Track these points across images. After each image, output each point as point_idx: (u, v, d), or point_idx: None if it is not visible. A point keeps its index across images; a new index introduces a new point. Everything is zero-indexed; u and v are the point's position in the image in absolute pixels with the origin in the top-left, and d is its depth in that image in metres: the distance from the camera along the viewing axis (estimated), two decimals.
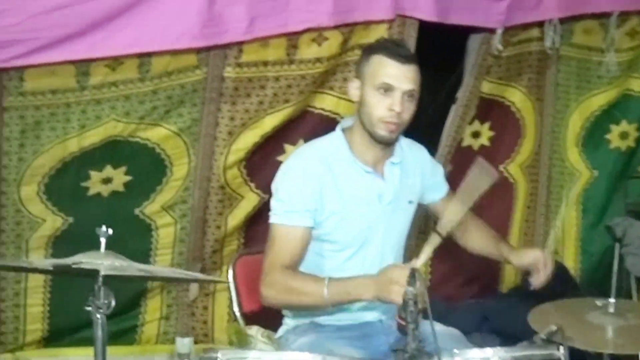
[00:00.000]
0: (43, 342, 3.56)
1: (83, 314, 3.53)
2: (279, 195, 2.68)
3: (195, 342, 3.69)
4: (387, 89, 2.59)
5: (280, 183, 2.70)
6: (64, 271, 2.22)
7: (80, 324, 3.52)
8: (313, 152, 2.74)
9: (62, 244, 3.32)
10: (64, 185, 3.24)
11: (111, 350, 3.58)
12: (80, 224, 3.31)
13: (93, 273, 2.08)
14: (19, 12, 2.73)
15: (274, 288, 2.60)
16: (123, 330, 3.62)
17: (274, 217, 2.66)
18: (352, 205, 2.68)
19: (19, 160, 3.10)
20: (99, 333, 2.08)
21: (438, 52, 3.54)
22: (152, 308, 3.63)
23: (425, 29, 3.39)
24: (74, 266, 2.04)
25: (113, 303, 2.08)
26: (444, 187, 2.99)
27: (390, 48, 2.65)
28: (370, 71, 2.63)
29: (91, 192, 3.29)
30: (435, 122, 3.80)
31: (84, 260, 2.08)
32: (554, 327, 2.22)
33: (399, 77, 2.59)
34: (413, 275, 2.20)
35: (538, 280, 2.80)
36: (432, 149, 3.69)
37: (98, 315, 2.07)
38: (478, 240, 3.02)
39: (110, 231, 2.10)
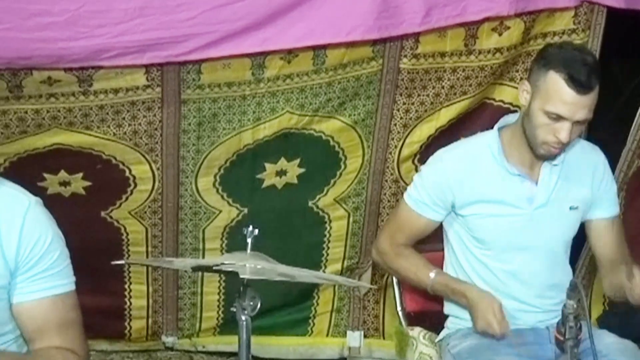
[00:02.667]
0: (218, 329, 3.65)
1: None
2: (418, 179, 2.73)
3: (366, 336, 3.71)
4: (558, 118, 2.43)
5: (425, 168, 2.74)
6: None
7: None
8: (463, 150, 2.71)
9: (236, 234, 3.35)
10: (239, 177, 3.28)
11: (284, 341, 3.70)
12: (254, 215, 3.35)
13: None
14: (194, 6, 2.75)
15: (383, 258, 2.81)
16: (296, 321, 3.67)
17: (407, 195, 2.74)
18: (499, 206, 2.59)
19: (196, 152, 3.16)
20: (243, 336, 2.02)
21: (628, 41, 3.32)
22: (325, 300, 3.64)
23: (615, 15, 3.17)
24: (215, 268, 2.01)
25: (258, 304, 2.01)
26: (614, 209, 2.74)
27: (572, 71, 2.40)
28: (544, 89, 2.45)
29: (266, 184, 3.31)
30: (624, 115, 3.57)
31: (228, 261, 2.02)
32: None
33: (573, 108, 2.41)
34: (574, 288, 2.05)
35: None
36: (620, 144, 3.49)
37: (243, 317, 2.00)
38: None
39: (257, 231, 2.04)
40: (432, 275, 2.64)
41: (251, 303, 1.95)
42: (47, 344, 2.05)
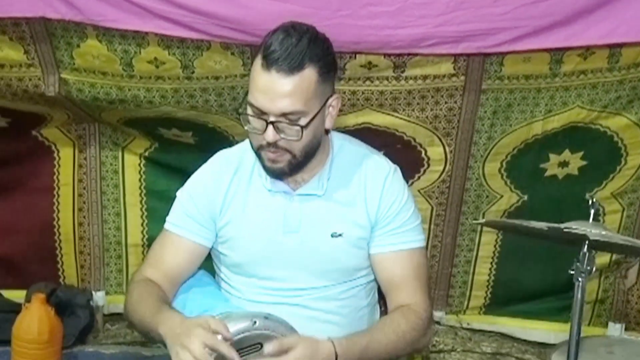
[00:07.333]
0: (483, 309, 3.85)
1: (522, 288, 3.78)
2: None
3: (627, 329, 3.79)
4: None
5: None
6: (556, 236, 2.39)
7: (518, 297, 3.78)
8: None
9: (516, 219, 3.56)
10: (523, 165, 3.46)
11: (546, 326, 3.82)
12: (532, 202, 3.55)
13: (581, 239, 2.24)
14: (509, 2, 2.94)
15: None
16: (559, 308, 3.77)
17: None
18: None
19: (487, 138, 3.37)
20: (578, 295, 2.27)
21: None
22: (589, 291, 3.71)
23: None
24: (565, 230, 2.23)
25: (594, 269, 2.26)
26: None
27: None
28: None
29: (548, 173, 3.48)
30: None
31: (574, 226, 2.25)
32: None
33: None
34: None
35: None
36: None
37: (579, 279, 2.25)
38: None
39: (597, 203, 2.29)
40: None
41: (589, 267, 2.20)
42: (396, 297, 2.37)
